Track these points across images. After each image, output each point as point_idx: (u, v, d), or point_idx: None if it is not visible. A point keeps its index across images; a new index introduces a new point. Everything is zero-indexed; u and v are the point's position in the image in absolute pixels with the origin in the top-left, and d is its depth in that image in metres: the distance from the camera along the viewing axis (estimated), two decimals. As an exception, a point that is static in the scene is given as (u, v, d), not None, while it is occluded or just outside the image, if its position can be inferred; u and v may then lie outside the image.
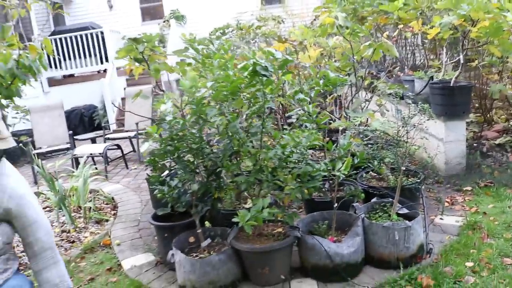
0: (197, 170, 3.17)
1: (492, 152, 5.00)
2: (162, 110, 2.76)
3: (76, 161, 6.64)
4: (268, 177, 2.82)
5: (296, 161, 2.98)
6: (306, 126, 2.99)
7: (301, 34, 5.48)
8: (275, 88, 2.78)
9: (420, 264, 3.06)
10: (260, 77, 2.47)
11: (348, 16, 4.93)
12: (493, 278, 2.80)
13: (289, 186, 2.88)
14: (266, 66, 2.38)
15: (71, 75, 11.51)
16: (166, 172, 3.52)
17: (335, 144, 2.98)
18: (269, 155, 2.66)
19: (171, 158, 2.99)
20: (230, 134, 2.86)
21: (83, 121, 10.36)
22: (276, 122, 4.47)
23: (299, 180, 2.91)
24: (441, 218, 3.80)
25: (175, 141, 2.91)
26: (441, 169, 4.74)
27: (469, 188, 4.34)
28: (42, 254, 2.33)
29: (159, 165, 3.35)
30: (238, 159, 3.08)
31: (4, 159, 2.32)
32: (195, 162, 3.07)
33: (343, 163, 2.71)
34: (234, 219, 2.67)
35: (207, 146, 3.06)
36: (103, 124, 9.23)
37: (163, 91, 4.20)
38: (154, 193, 3.32)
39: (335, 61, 4.49)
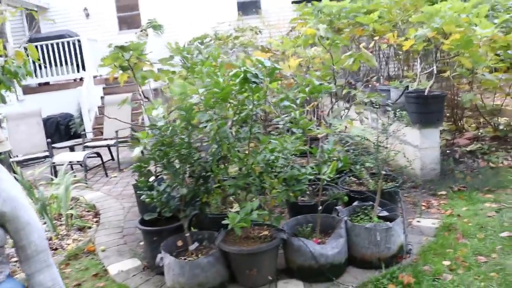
0: (186, 175, 3.25)
1: (464, 158, 5.23)
2: (154, 115, 2.84)
3: (54, 169, 6.60)
4: (256, 181, 2.92)
5: (282, 165, 3.09)
6: (292, 132, 3.11)
7: (281, 44, 5.65)
8: (262, 95, 2.89)
9: (400, 263, 3.21)
10: (250, 84, 2.58)
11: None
12: (469, 275, 2.97)
13: (276, 189, 2.99)
14: (256, 74, 2.49)
15: (47, 83, 11.38)
16: (152, 178, 3.59)
17: (319, 149, 3.11)
18: (257, 159, 2.77)
19: (161, 163, 3.06)
20: (218, 139, 2.96)
21: (59, 129, 10.25)
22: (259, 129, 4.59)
23: (285, 184, 3.03)
24: (418, 221, 3.97)
25: (165, 146, 2.99)
26: (416, 175, 4.93)
27: (443, 192, 4.54)
28: (35, 257, 2.34)
29: (145, 171, 3.42)
30: (226, 164, 3.18)
31: (-3, 163, 2.34)
32: (184, 167, 3.15)
33: (328, 167, 2.84)
34: (224, 221, 2.76)
35: (195, 151, 3.14)
36: (81, 132, 9.16)
37: (147, 98, 4.26)
38: (141, 198, 3.37)
39: (315, 70, 4.64)
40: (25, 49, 3.87)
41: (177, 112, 3.06)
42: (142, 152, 3.27)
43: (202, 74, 2.81)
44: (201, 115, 2.77)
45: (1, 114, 7.51)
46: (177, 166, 3.09)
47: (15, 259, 3.74)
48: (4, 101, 3.57)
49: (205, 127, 2.99)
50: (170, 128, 2.97)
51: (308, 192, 3.12)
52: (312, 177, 2.93)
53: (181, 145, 3.02)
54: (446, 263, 3.17)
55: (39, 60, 4.42)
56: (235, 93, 2.74)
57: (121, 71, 4.12)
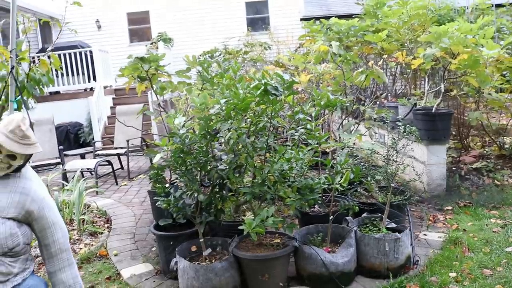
0: (202, 183, 3.37)
1: (469, 175, 5.34)
2: (176, 124, 2.97)
3: (65, 176, 6.72)
4: (271, 190, 3.03)
5: (296, 175, 3.21)
6: (305, 144, 3.24)
7: (291, 60, 5.81)
8: (279, 107, 3.03)
9: (408, 274, 3.30)
10: (270, 97, 2.72)
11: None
12: (475, 287, 3.06)
13: (290, 198, 3.10)
14: (276, 87, 2.63)
15: (57, 92, 11.57)
16: (167, 185, 3.71)
17: (332, 161, 3.23)
18: (274, 168, 2.89)
19: (179, 170, 3.18)
20: (236, 148, 3.08)
21: (68, 138, 10.41)
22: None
23: (298, 193, 3.14)
24: (425, 234, 4.06)
25: (184, 154, 3.11)
26: (423, 190, 5.04)
27: (449, 207, 4.65)
28: (58, 256, 2.43)
29: (161, 178, 3.54)
30: (242, 172, 3.29)
31: (27, 165, 2.46)
32: (201, 174, 3.27)
33: (341, 177, 2.95)
34: (241, 227, 2.86)
35: (213, 160, 3.26)
36: (90, 141, 9.30)
37: (164, 109, 4.40)
38: (158, 204, 3.49)
39: (327, 86, 4.78)
40: (49, 57, 4.01)
41: (195, 122, 3.19)
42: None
43: (223, 86, 2.94)
44: (222, 125, 2.89)
45: (32, 119, 7.64)
46: (195, 173, 3.21)
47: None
48: (27, 107, 3.70)
49: (222, 136, 3.13)
50: (190, 136, 3.09)
51: (320, 202, 3.22)
52: (325, 186, 3.04)
53: (199, 153, 3.14)
54: (453, 275, 3.26)
55: (61, 69, 4.57)
56: (254, 104, 2.87)
57: (139, 81, 4.26)
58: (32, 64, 3.87)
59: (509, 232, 3.90)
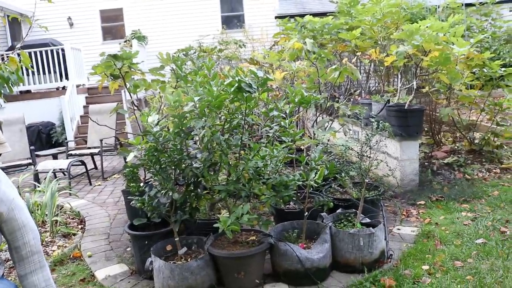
0: (177, 181, 3.34)
1: (441, 170, 5.45)
2: (150, 122, 2.93)
3: (37, 177, 6.58)
4: (246, 187, 3.03)
5: (270, 172, 3.22)
6: (279, 141, 3.25)
7: (266, 57, 5.82)
8: (253, 105, 3.02)
9: (382, 268, 3.35)
10: (243, 94, 2.71)
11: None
12: (447, 278, 3.13)
13: (265, 195, 3.10)
14: (250, 84, 2.62)
15: (28, 91, 11.31)
16: (141, 184, 3.67)
17: (307, 158, 3.25)
18: (249, 165, 2.88)
19: (153, 168, 3.14)
20: (210, 146, 3.07)
21: (40, 138, 10.20)
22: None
23: (273, 190, 3.15)
24: (398, 228, 4.13)
25: (158, 152, 3.08)
26: (397, 185, 5.11)
27: (422, 202, 4.73)
28: (29, 258, 2.37)
29: (135, 177, 3.50)
30: (217, 170, 3.28)
31: (-5, 165, 2.40)
32: (176, 173, 3.24)
33: (315, 174, 2.97)
34: (216, 225, 2.85)
35: (187, 158, 3.24)
36: (63, 141, 9.13)
37: (137, 107, 4.35)
38: (132, 203, 3.44)
39: (302, 83, 4.81)
40: (18, 55, 3.91)
41: (169, 120, 3.16)
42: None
43: (196, 83, 2.93)
44: (196, 122, 2.87)
45: (1, 118, 7.44)
46: (169, 172, 3.18)
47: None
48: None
49: (196, 134, 3.11)
50: (163, 134, 3.06)
51: (294, 198, 3.24)
52: (300, 183, 3.05)
53: (173, 151, 3.12)
54: (425, 267, 3.32)
55: (32, 67, 4.47)
56: (228, 102, 2.87)
57: (112, 79, 4.19)
58: (0, 62, 3.76)
59: (479, 225, 4.00)
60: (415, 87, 5.13)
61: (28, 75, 10.86)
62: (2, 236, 2.31)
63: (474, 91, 5.94)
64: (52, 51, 10.92)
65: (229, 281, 3.25)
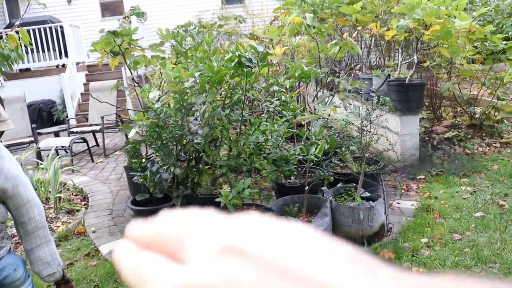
0: (178, 157, 3.37)
1: (441, 145, 5.47)
2: (151, 98, 2.95)
3: (39, 155, 6.62)
4: (247, 162, 3.06)
5: (271, 147, 3.24)
6: (280, 116, 3.26)
7: (266, 32, 5.78)
8: (254, 80, 3.03)
9: (382, 241, 3.41)
10: (243, 69, 2.71)
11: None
12: (445, 251, 3.18)
13: (266, 170, 3.14)
14: (250, 58, 2.62)
15: (28, 69, 11.26)
16: (143, 160, 3.70)
17: (307, 132, 3.27)
18: (249, 140, 2.91)
19: (155, 144, 3.17)
20: (211, 121, 3.08)
21: (41, 116, 10.19)
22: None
23: (274, 164, 3.18)
24: (398, 202, 4.18)
25: (159, 128, 3.10)
26: (397, 160, 5.14)
27: (422, 176, 4.77)
28: (35, 233, 2.42)
29: (138, 153, 3.53)
30: (218, 145, 3.31)
31: (-1, 142, 2.42)
32: (177, 148, 3.27)
33: (315, 148, 2.99)
34: (217, 199, 2.89)
35: (188, 133, 3.26)
36: (64, 119, 9.14)
37: (138, 83, 4.35)
38: (134, 179, 3.48)
39: (300, 58, 4.79)
40: (17, 32, 3.89)
41: (170, 96, 3.17)
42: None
43: (196, 59, 2.92)
44: (197, 98, 2.88)
45: (2, 96, 7.43)
46: (171, 147, 3.21)
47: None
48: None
49: (197, 110, 3.12)
50: (164, 110, 3.08)
51: (295, 173, 3.27)
52: (300, 157, 3.08)
53: (174, 127, 3.14)
54: (424, 240, 3.38)
55: (31, 44, 4.45)
56: (229, 77, 2.87)
57: (112, 56, 4.18)
58: (-1, 39, 3.75)
59: (478, 199, 4.04)
60: (415, 62, 5.11)
61: (27, 53, 10.76)
62: (8, 212, 2.36)
63: (475, 65, 5.91)
64: (50, 28, 10.81)
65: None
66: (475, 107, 6.25)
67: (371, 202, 3.40)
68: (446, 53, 5.09)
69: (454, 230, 3.50)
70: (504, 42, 5.49)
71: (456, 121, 6.12)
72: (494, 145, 5.51)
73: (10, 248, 2.49)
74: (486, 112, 5.97)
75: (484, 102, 6.31)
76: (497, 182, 4.40)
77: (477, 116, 6.12)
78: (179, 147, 3.33)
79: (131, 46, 4.11)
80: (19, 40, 3.96)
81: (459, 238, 3.36)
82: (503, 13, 9.34)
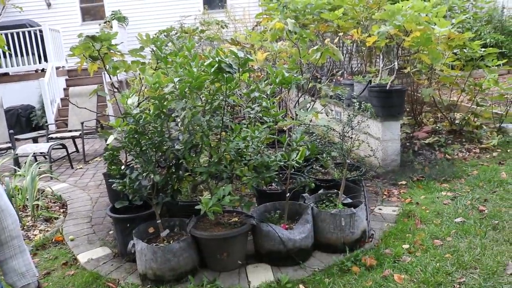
0: (158, 163, 3.32)
1: (422, 150, 5.50)
2: (129, 104, 2.89)
3: (17, 161, 6.48)
4: (227, 168, 3.02)
5: (252, 153, 3.21)
6: (261, 122, 3.23)
7: (247, 38, 5.76)
8: (234, 86, 3.00)
9: (363, 247, 3.39)
10: (224, 74, 2.68)
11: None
12: (426, 257, 3.18)
13: (247, 176, 3.10)
14: (230, 64, 2.59)
15: (6, 74, 11.05)
16: (123, 166, 3.63)
17: (288, 138, 3.24)
18: (230, 147, 2.87)
19: (134, 151, 3.11)
20: (191, 127, 3.04)
21: (20, 121, 10.01)
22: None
23: (255, 171, 3.15)
24: (380, 208, 4.18)
25: (138, 135, 3.04)
26: (378, 165, 5.16)
27: (403, 182, 4.79)
28: (9, 243, 2.33)
29: (117, 160, 3.46)
30: (198, 152, 3.26)
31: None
32: (156, 155, 3.22)
33: (296, 154, 2.97)
34: (198, 207, 2.85)
35: (168, 140, 3.21)
36: (43, 125, 8.98)
37: (118, 89, 4.28)
38: (113, 186, 3.41)
39: (284, 64, 4.78)
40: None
41: (149, 102, 3.12)
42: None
43: (176, 64, 2.88)
44: (177, 103, 2.84)
45: None
46: (150, 154, 3.15)
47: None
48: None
49: (177, 116, 3.07)
50: (144, 116, 3.03)
51: (276, 179, 3.25)
52: (282, 163, 3.05)
53: (154, 133, 3.09)
54: (406, 246, 3.38)
55: (8, 49, 4.35)
56: (209, 83, 2.83)
57: (91, 61, 4.11)
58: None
59: (458, 204, 4.07)
60: (396, 68, 5.14)
61: (5, 57, 10.58)
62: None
63: (455, 71, 5.98)
64: (29, 32, 10.63)
65: (212, 262, 3.26)
66: (455, 113, 6.32)
67: (352, 208, 3.39)
68: (427, 59, 5.14)
69: (435, 236, 3.50)
70: (483, 49, 5.56)
71: (437, 127, 6.18)
72: (473, 150, 5.57)
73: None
74: (466, 118, 6.04)
75: (464, 108, 6.39)
76: (476, 188, 4.43)
77: (457, 121, 6.18)
78: (159, 154, 3.27)
79: (111, 51, 4.04)
80: (-6, 44, 3.88)
81: (440, 244, 3.37)
82: (481, 20, 9.52)
